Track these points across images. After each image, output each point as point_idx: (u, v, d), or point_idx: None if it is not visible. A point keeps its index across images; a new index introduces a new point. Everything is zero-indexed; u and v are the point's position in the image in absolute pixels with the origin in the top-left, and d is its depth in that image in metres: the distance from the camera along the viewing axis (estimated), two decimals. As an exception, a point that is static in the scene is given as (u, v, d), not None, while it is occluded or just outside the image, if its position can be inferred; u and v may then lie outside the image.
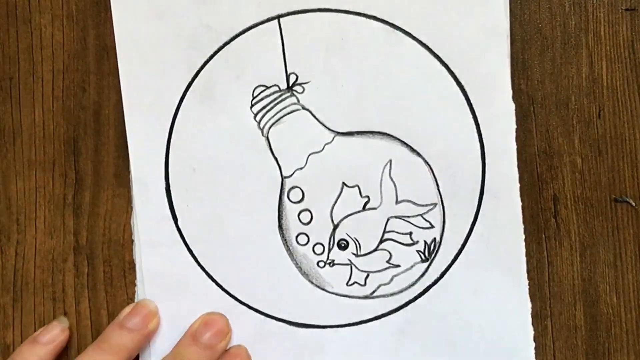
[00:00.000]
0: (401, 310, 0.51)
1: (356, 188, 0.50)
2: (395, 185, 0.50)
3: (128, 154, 0.51)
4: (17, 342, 0.51)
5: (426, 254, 0.50)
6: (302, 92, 0.50)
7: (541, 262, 0.51)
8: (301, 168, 0.51)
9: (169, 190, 0.51)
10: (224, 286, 0.51)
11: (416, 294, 0.51)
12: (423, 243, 0.50)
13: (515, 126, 0.50)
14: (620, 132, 0.50)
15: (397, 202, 0.50)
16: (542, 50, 0.50)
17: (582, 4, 0.50)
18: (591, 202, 0.51)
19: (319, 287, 0.51)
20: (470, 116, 0.50)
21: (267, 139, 0.51)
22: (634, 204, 0.50)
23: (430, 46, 0.49)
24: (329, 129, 0.51)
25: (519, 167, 0.50)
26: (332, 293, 0.51)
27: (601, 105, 0.51)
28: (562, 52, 0.51)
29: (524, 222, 0.50)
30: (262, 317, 0.51)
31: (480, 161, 0.50)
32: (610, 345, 0.51)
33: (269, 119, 0.50)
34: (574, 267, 0.51)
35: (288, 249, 0.51)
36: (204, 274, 0.51)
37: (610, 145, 0.51)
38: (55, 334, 0.51)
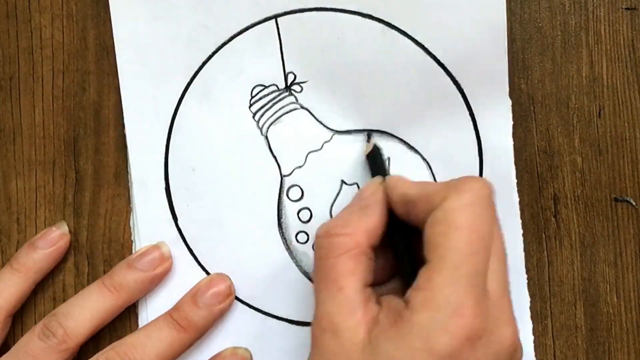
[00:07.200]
0: (401, 309, 0.51)
1: (355, 186, 0.50)
2: (395, 186, 0.50)
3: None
4: (18, 342, 0.52)
5: (425, 252, 0.50)
6: (301, 91, 0.50)
7: (541, 262, 0.51)
8: (300, 166, 0.51)
9: (169, 190, 0.51)
10: (224, 285, 0.51)
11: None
12: (422, 242, 0.50)
13: (512, 122, 0.50)
14: (620, 131, 0.50)
15: (395, 201, 0.50)
16: (542, 50, 0.50)
17: (582, 3, 0.50)
18: (591, 201, 0.50)
19: (319, 285, 0.51)
20: (467, 113, 0.50)
21: (266, 138, 0.51)
22: (634, 203, 0.50)
23: (427, 46, 0.49)
24: (328, 128, 0.50)
25: (519, 166, 0.50)
26: (332, 292, 0.51)
27: (601, 105, 0.50)
28: (562, 51, 0.50)
29: (524, 222, 0.50)
30: (263, 315, 0.51)
31: (477, 158, 0.50)
32: (610, 345, 0.51)
33: (268, 118, 0.50)
34: (574, 266, 0.51)
35: (288, 248, 0.51)
36: (204, 273, 0.51)
37: (610, 144, 0.50)
38: (53, 237, 0.51)
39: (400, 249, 0.44)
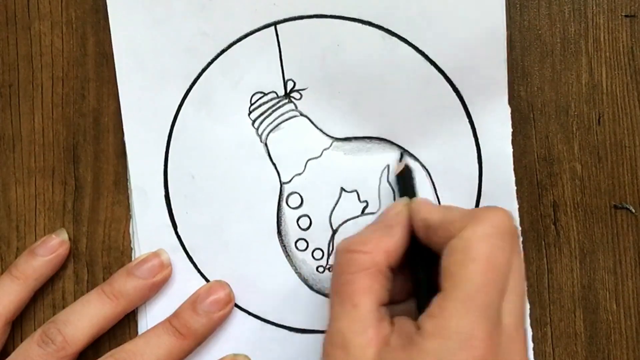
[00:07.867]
0: (400, 316, 0.51)
1: (354, 193, 0.50)
2: (393, 190, 0.50)
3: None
4: (17, 349, 0.52)
5: (425, 259, 0.50)
6: (300, 98, 0.50)
7: (541, 269, 0.51)
8: (300, 174, 0.51)
9: (168, 198, 0.51)
10: (223, 292, 0.51)
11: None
12: (422, 249, 0.50)
13: (511, 129, 0.50)
14: (619, 138, 0.50)
15: (395, 208, 0.50)
16: (542, 57, 0.50)
17: (581, 10, 0.50)
18: (591, 208, 0.50)
19: (318, 292, 0.51)
20: (467, 120, 0.50)
21: (266, 145, 0.51)
22: (633, 210, 0.50)
23: (426, 52, 0.49)
24: (327, 135, 0.50)
25: (518, 173, 0.50)
26: (332, 298, 0.51)
27: (601, 112, 0.50)
28: (562, 59, 0.50)
29: (523, 229, 0.50)
30: (262, 323, 0.51)
31: (477, 165, 0.50)
32: (610, 352, 0.50)
33: (267, 126, 0.50)
34: (573, 273, 0.51)
35: (287, 255, 0.51)
36: (203, 280, 0.51)
37: (610, 151, 0.50)
38: (53, 245, 0.51)
39: (418, 272, 0.44)
